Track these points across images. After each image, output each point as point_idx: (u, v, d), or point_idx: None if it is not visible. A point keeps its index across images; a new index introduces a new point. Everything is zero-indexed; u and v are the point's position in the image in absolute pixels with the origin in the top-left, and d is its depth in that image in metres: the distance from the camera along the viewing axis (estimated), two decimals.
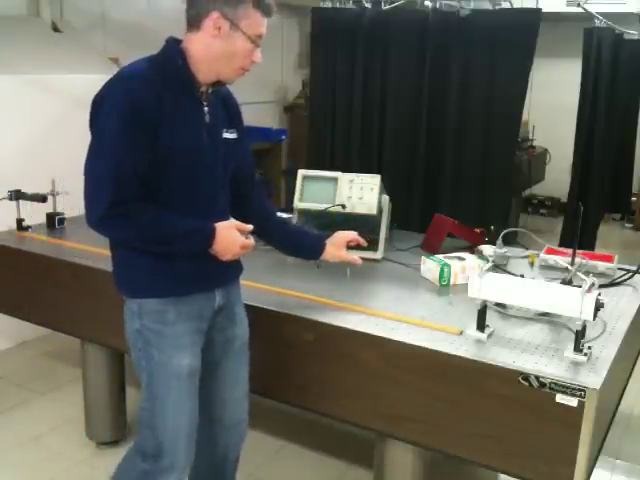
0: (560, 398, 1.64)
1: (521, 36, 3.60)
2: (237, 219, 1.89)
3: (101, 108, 1.68)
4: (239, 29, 1.69)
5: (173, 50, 1.73)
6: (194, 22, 1.70)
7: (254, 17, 1.70)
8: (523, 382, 1.68)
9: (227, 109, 1.89)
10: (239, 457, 2.10)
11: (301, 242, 2.11)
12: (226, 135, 1.84)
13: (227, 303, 1.90)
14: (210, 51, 1.71)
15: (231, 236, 1.75)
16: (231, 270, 1.89)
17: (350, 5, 4.17)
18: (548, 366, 1.71)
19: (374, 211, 2.49)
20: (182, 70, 1.72)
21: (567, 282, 2.07)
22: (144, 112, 1.64)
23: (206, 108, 1.78)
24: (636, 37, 4.93)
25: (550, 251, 2.55)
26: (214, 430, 1.99)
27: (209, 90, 1.79)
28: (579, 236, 2.40)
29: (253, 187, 2.04)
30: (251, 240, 1.80)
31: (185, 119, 1.72)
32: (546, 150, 6.16)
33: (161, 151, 1.67)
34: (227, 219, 1.84)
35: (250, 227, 1.81)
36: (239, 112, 1.95)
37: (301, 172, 2.61)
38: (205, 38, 1.70)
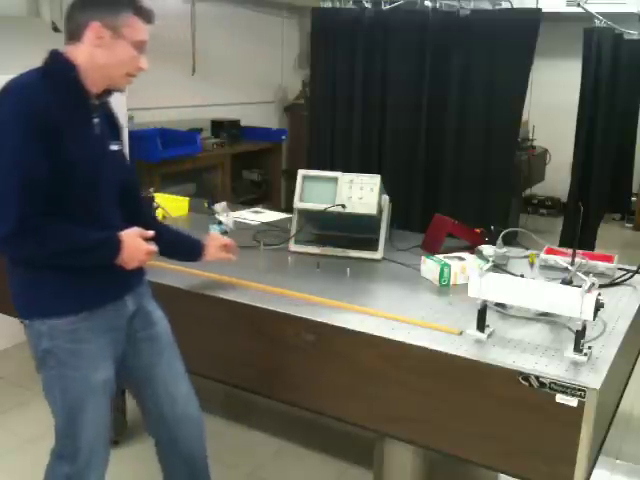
0: (560, 398, 1.64)
1: (521, 36, 3.60)
2: None
3: None
4: (121, 37, 1.70)
5: (62, 62, 1.70)
6: (75, 34, 1.70)
7: (135, 24, 1.72)
8: (523, 382, 1.68)
9: (111, 121, 1.88)
10: (206, 455, 2.10)
11: (180, 243, 2.16)
12: (113, 147, 1.84)
13: (140, 306, 1.91)
14: (95, 61, 1.70)
15: (135, 244, 1.75)
16: (136, 273, 1.86)
17: (350, 5, 4.16)
18: (548, 366, 1.71)
19: (374, 211, 2.49)
20: (74, 82, 1.70)
21: (567, 282, 2.07)
22: (42, 123, 1.60)
23: (96, 120, 1.76)
24: (636, 37, 4.93)
25: (550, 251, 2.55)
26: (172, 429, 2.00)
27: (97, 101, 1.77)
28: (579, 236, 2.40)
29: (140, 199, 2.07)
30: (154, 246, 1.79)
31: (81, 131, 1.71)
32: (546, 150, 6.16)
33: (61, 164, 1.64)
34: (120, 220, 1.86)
35: (151, 233, 1.79)
36: (120, 125, 1.94)
37: (301, 172, 2.61)
38: (88, 48, 1.69)
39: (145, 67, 1.77)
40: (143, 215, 2.03)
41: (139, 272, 1.91)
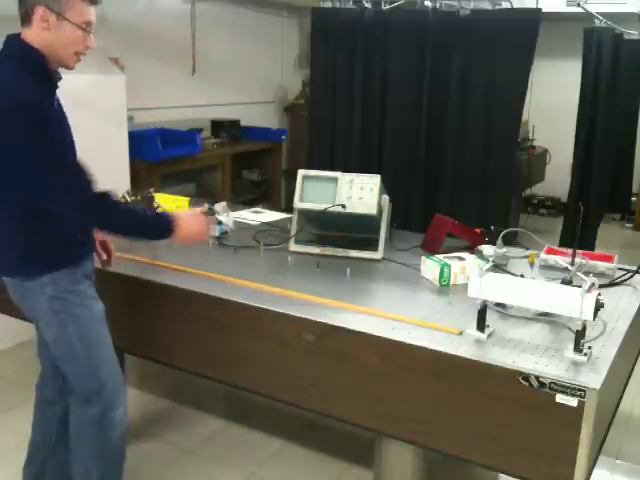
0: (560, 398, 1.64)
1: (521, 36, 3.60)
2: None
3: (10, 127, 1.75)
4: (65, 19, 1.82)
5: (29, 49, 1.83)
6: (25, 19, 1.85)
7: (79, 6, 1.84)
8: (523, 382, 1.68)
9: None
10: None
11: None
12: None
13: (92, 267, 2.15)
14: (45, 43, 1.83)
15: (191, 224, 2.09)
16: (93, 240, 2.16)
17: (350, 5, 4.16)
18: (548, 366, 1.71)
19: (374, 211, 2.49)
20: (46, 67, 1.85)
21: (567, 282, 2.07)
22: (49, 114, 1.80)
23: (57, 96, 1.92)
24: (636, 37, 4.93)
25: (550, 251, 2.55)
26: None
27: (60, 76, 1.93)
28: (579, 236, 2.40)
29: None
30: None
31: (60, 112, 1.92)
32: (546, 150, 6.16)
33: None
34: None
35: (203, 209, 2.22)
36: None
37: (301, 172, 2.61)
38: (37, 32, 1.83)
39: (93, 45, 1.91)
40: None
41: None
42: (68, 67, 1.91)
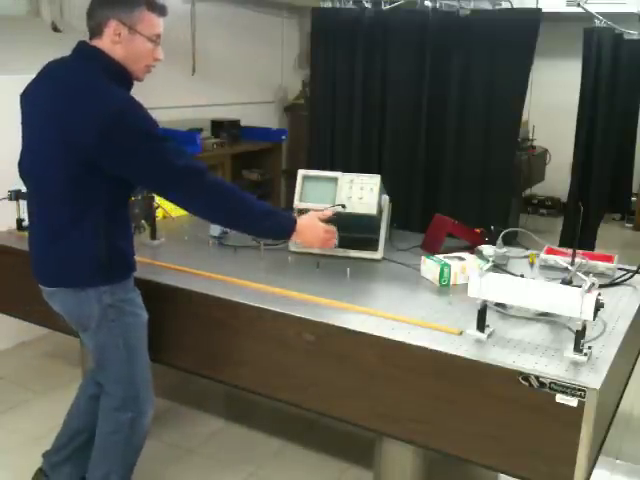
0: (560, 398, 1.64)
1: (521, 36, 3.60)
2: None
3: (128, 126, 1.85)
4: (137, 32, 1.87)
5: (106, 59, 1.88)
6: (96, 31, 1.88)
7: (149, 19, 1.88)
8: (523, 382, 1.68)
9: None
10: None
11: None
12: None
13: None
14: (117, 53, 1.88)
15: (314, 226, 2.17)
16: None
17: (350, 5, 4.16)
18: (548, 366, 1.71)
19: (374, 211, 2.49)
20: (128, 75, 1.92)
21: (567, 282, 2.07)
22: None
23: None
24: (636, 37, 4.93)
25: (550, 251, 2.55)
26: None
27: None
28: (579, 236, 2.40)
29: None
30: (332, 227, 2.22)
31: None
32: (546, 150, 6.16)
33: None
34: None
35: (329, 213, 2.24)
36: None
37: (301, 172, 2.61)
38: (108, 44, 1.87)
39: (161, 57, 1.95)
40: None
41: None
42: (138, 79, 1.96)
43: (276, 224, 2.07)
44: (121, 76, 1.90)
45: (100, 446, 2.16)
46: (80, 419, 2.30)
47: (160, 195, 2.04)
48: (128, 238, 2.03)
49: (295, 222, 2.09)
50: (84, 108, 1.80)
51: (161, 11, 1.92)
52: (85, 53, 1.90)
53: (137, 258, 2.46)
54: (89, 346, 2.10)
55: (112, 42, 1.85)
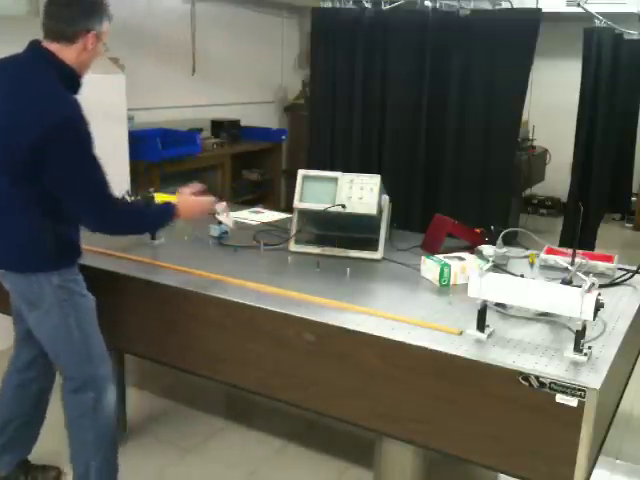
0: (560, 398, 1.64)
1: (521, 36, 3.60)
2: None
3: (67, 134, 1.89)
4: (101, 40, 2.02)
5: (66, 66, 1.97)
6: (68, 37, 1.95)
7: (107, 27, 2.03)
8: (523, 382, 1.68)
9: None
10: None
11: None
12: None
13: None
14: (79, 60, 1.99)
15: (189, 202, 2.33)
16: None
17: (350, 5, 4.17)
18: (548, 366, 1.71)
19: (374, 211, 2.49)
20: (77, 79, 2.02)
21: (567, 282, 2.07)
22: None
23: None
24: (636, 37, 4.93)
25: (550, 251, 2.55)
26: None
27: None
28: (579, 236, 2.40)
29: None
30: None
31: None
32: (546, 150, 6.16)
33: None
34: None
35: (200, 186, 2.42)
36: None
37: (301, 172, 2.61)
38: (77, 50, 1.97)
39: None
40: None
41: None
42: (83, 76, 2.06)
43: (165, 218, 2.24)
44: (72, 81, 1.99)
45: (72, 436, 2.20)
46: (8, 408, 2.36)
47: (71, 208, 2.03)
48: (74, 225, 2.09)
49: (174, 206, 2.23)
50: (33, 109, 1.89)
51: (111, 18, 2.05)
52: (40, 54, 1.97)
53: (137, 258, 2.48)
54: (39, 332, 2.14)
55: (83, 50, 1.96)
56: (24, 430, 2.39)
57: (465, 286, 1.93)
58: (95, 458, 2.19)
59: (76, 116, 1.91)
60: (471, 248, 2.57)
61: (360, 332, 1.91)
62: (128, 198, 2.58)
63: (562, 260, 2.37)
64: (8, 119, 1.92)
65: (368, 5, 4.05)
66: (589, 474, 1.73)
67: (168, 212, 2.24)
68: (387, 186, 2.67)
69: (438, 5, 3.88)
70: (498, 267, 2.35)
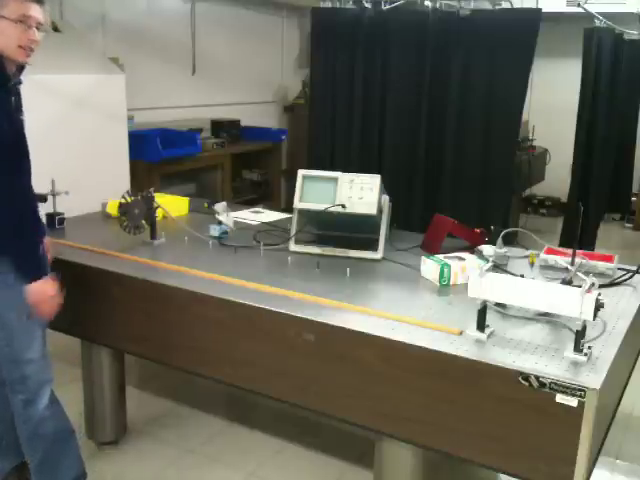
0: (560, 398, 1.64)
1: (521, 36, 3.60)
2: None
3: None
4: (2, 17, 1.91)
5: None
6: None
7: (12, 3, 1.92)
8: (523, 382, 1.68)
9: (19, 95, 2.07)
10: None
11: None
12: (24, 118, 2.05)
13: None
14: None
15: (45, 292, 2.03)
16: None
17: (350, 5, 4.17)
18: (548, 366, 1.71)
19: (374, 211, 2.49)
20: (3, 67, 1.93)
21: (567, 282, 2.07)
22: None
23: (13, 98, 1.98)
24: (636, 37, 4.93)
25: (550, 251, 2.55)
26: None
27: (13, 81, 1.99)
28: (579, 236, 2.40)
29: None
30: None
31: (15, 109, 1.97)
32: (546, 150, 6.17)
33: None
34: None
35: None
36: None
37: (301, 172, 2.61)
38: None
39: (35, 38, 1.96)
40: None
41: None
42: (19, 61, 1.97)
43: (30, 259, 1.99)
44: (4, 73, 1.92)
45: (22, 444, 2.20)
46: None
47: None
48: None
49: (40, 277, 1.99)
50: None
51: None
52: None
53: (137, 258, 2.47)
54: None
55: None
56: (14, 434, 2.29)
57: (465, 286, 1.93)
58: (34, 455, 2.18)
59: None
60: (471, 248, 2.57)
61: (360, 332, 1.91)
62: (128, 198, 2.58)
63: (562, 260, 2.37)
64: None
65: (368, 5, 4.05)
66: (589, 474, 1.72)
67: (34, 264, 1.99)
68: (387, 186, 2.67)
69: (438, 5, 3.89)
70: (498, 267, 2.35)
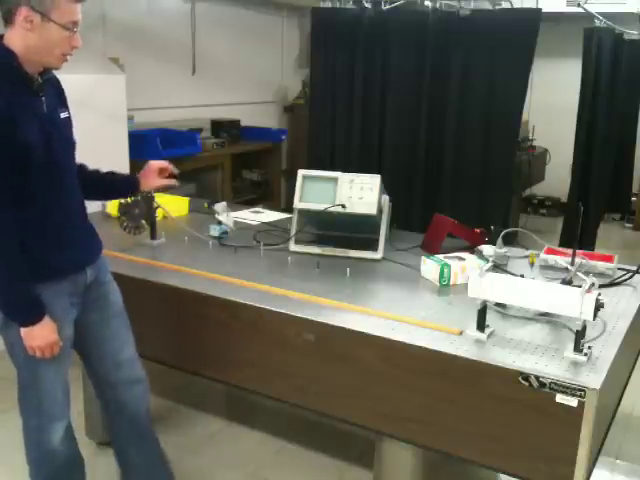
0: (560, 398, 1.64)
1: (521, 36, 3.60)
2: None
3: None
4: (50, 20, 1.73)
5: (2, 51, 1.76)
6: (8, 18, 1.75)
7: (64, 6, 1.74)
8: (523, 382, 1.68)
9: (57, 91, 1.95)
10: (150, 415, 2.26)
11: (116, 180, 2.26)
12: (63, 115, 1.93)
13: (96, 277, 2.04)
14: (28, 44, 1.74)
15: (44, 333, 1.85)
16: (96, 249, 2.06)
17: (350, 5, 4.17)
18: (548, 366, 1.71)
19: (374, 211, 2.49)
20: (17, 69, 1.76)
21: (567, 282, 2.07)
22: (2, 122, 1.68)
23: (43, 98, 1.84)
24: (636, 37, 4.93)
25: (550, 251, 2.55)
26: (117, 392, 2.15)
27: (40, 80, 1.84)
28: (579, 236, 2.40)
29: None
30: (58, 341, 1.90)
31: (31, 117, 1.78)
32: (546, 150, 6.17)
33: (20, 154, 1.73)
34: (79, 191, 2.00)
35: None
36: (64, 92, 2.00)
37: (301, 172, 2.61)
38: (20, 33, 1.74)
39: (79, 45, 1.81)
40: (79, 168, 2.09)
41: (97, 246, 2.07)
42: (55, 68, 1.85)
43: (10, 305, 1.83)
44: (4, 68, 1.75)
45: None
46: None
47: None
48: (44, 237, 1.85)
49: (29, 322, 1.81)
50: None
51: None
52: None
53: (137, 258, 2.47)
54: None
55: (24, 30, 1.72)
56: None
57: (465, 286, 1.93)
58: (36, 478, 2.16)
59: None
60: (471, 248, 2.57)
61: (360, 332, 1.91)
62: (128, 199, 2.58)
63: (562, 260, 2.37)
64: None
65: (368, 5, 4.05)
66: (589, 474, 1.73)
67: (19, 310, 1.83)
68: (387, 186, 2.67)
69: (438, 5, 3.89)
70: (498, 267, 2.35)
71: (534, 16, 3.60)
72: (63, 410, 2.05)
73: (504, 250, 2.50)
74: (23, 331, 1.84)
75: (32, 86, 1.80)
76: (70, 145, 1.96)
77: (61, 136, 1.89)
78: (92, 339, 2.08)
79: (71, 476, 2.20)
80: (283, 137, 6.21)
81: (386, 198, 2.64)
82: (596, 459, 1.79)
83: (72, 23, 1.76)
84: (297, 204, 2.57)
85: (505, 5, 3.88)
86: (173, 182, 2.31)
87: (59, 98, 1.94)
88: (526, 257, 2.59)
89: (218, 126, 5.67)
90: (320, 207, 2.52)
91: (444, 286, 2.29)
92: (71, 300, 1.95)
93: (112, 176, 2.24)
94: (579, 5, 4.29)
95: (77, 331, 2.02)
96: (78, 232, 1.97)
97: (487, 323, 1.88)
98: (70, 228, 1.93)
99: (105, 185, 2.23)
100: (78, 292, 1.98)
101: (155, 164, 2.28)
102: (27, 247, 1.80)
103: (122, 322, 2.13)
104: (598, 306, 1.71)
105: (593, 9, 4.34)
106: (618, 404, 2.13)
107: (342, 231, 2.70)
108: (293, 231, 2.62)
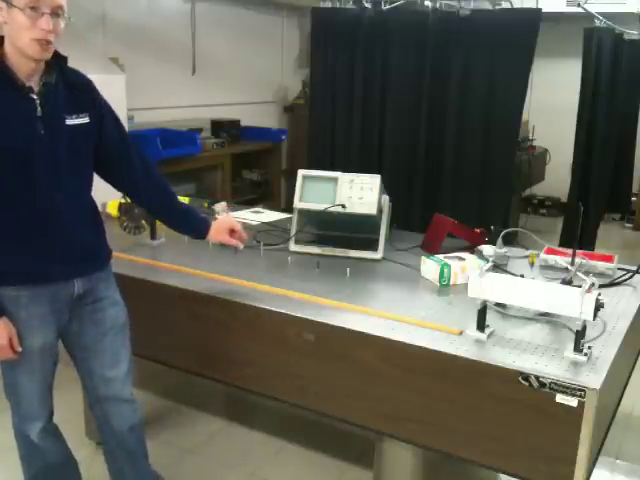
0: (560, 398, 1.64)
1: (521, 36, 3.60)
2: (131, 198, 2.22)
3: None
4: (13, 5, 1.68)
5: None
6: None
7: None
8: (523, 382, 1.68)
9: (73, 95, 1.87)
10: (141, 434, 2.22)
11: (188, 220, 2.25)
12: (72, 121, 1.84)
13: (91, 290, 1.99)
14: (8, 35, 1.72)
15: None
16: (89, 262, 1.97)
17: (350, 5, 4.17)
18: (548, 366, 1.71)
19: (374, 211, 2.49)
20: (4, 69, 1.73)
21: (567, 282, 2.07)
22: None
23: (38, 100, 1.77)
24: (636, 37, 4.93)
25: (550, 251, 2.55)
26: (104, 407, 2.12)
27: (41, 81, 1.79)
28: (579, 236, 2.40)
29: (131, 166, 2.05)
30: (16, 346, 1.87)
31: (14, 117, 1.74)
32: (546, 150, 6.17)
33: None
34: (81, 201, 1.93)
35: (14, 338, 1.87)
36: (92, 96, 1.93)
37: (301, 172, 2.61)
38: (3, 27, 1.71)
39: (47, 27, 1.69)
40: (140, 184, 2.08)
41: (95, 261, 2.01)
42: (34, 58, 1.74)
43: None
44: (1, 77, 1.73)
45: None
46: None
47: None
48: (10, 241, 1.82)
49: None
50: None
51: None
52: None
53: (137, 258, 2.47)
54: None
55: (2, 22, 1.70)
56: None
57: (465, 286, 1.93)
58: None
59: None
60: (471, 248, 2.57)
61: (360, 332, 1.91)
62: (128, 198, 2.57)
63: (562, 260, 2.37)
64: None
65: (368, 5, 4.05)
66: (589, 474, 1.73)
67: None
68: (387, 186, 2.67)
69: (438, 5, 3.89)
70: (498, 267, 2.35)
71: (534, 16, 3.59)
72: (40, 412, 2.05)
73: (504, 250, 2.50)
74: None
75: (18, 87, 1.75)
76: (74, 150, 1.86)
77: (56, 139, 1.81)
78: (83, 351, 2.05)
79: (63, 474, 2.22)
80: (283, 137, 6.21)
81: (386, 198, 2.64)
82: (596, 459, 1.79)
83: (30, 7, 1.67)
84: (297, 204, 2.57)
85: (505, 5, 3.88)
86: (240, 245, 2.29)
87: (75, 102, 1.86)
88: (526, 257, 2.59)
89: (218, 126, 5.67)
90: (320, 207, 2.52)
91: (444, 286, 2.28)
92: (52, 307, 1.91)
93: (186, 214, 2.25)
94: (579, 5, 4.29)
95: (69, 340, 2.03)
96: (63, 242, 1.88)
97: (487, 323, 1.88)
98: (48, 237, 1.85)
99: (179, 220, 2.24)
100: (63, 301, 1.93)
101: (231, 223, 2.28)
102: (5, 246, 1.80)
103: (118, 340, 2.06)
104: (598, 306, 1.71)
105: (593, 9, 4.34)
106: (618, 404, 2.12)
107: (342, 231, 2.70)
108: (293, 231, 2.62)
